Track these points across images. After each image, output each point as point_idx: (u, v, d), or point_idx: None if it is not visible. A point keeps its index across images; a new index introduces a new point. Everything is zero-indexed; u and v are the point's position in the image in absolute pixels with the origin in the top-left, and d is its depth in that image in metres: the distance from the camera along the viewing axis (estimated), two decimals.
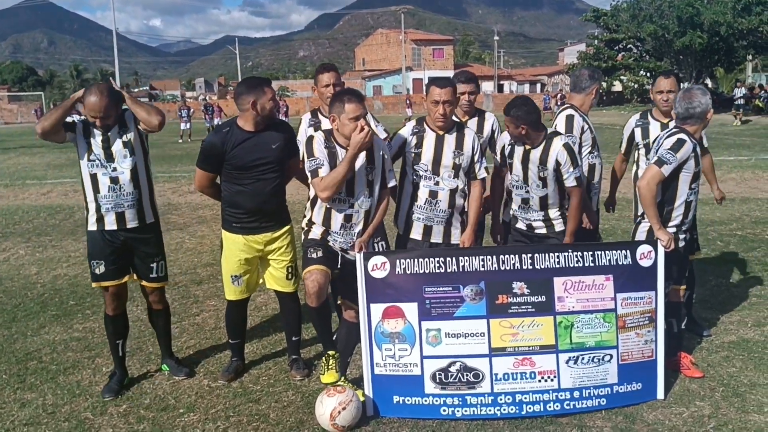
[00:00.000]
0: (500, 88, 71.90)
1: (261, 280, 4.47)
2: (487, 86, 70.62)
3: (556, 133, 4.33)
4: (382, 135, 4.51)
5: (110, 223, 4.16)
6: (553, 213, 4.38)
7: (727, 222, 8.78)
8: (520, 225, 4.47)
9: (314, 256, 3.87)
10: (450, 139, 4.14)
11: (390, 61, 77.32)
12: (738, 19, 32.01)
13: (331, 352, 3.93)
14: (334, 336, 4.20)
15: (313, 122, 4.67)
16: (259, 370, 4.58)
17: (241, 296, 4.41)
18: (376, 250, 4.27)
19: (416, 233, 4.22)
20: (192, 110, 30.56)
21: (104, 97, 4.00)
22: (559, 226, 4.38)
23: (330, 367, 3.88)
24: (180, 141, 27.80)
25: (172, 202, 11.95)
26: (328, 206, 3.83)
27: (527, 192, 4.34)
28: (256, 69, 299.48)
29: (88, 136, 4.10)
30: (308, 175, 3.84)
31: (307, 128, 4.67)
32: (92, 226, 4.19)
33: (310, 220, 3.97)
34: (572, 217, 4.31)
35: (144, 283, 4.38)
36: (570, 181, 4.22)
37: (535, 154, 4.23)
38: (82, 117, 4.17)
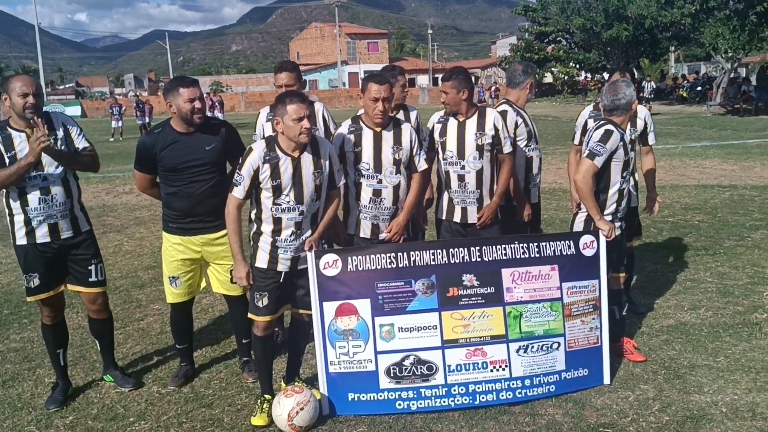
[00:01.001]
0: (435, 82, 72.54)
1: (204, 283, 4.41)
2: (423, 80, 71.17)
3: (487, 106, 4.56)
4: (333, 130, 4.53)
5: (42, 236, 3.96)
6: (486, 200, 4.50)
7: (659, 209, 9.12)
8: (456, 216, 4.56)
9: (260, 304, 3.83)
10: (388, 136, 4.16)
11: (325, 55, 76.92)
12: (661, 12, 33.17)
13: (267, 397, 3.87)
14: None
15: (272, 116, 4.59)
16: (209, 374, 4.52)
17: (182, 299, 4.32)
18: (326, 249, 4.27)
19: (365, 232, 4.23)
20: (124, 107, 29.68)
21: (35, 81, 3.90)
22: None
23: (263, 410, 3.81)
24: (111, 139, 26.99)
25: (107, 203, 11.61)
26: (276, 216, 3.76)
27: (462, 168, 4.45)
28: (188, 64, 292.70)
29: (10, 144, 3.86)
30: (231, 185, 3.77)
31: (265, 122, 4.61)
32: (21, 240, 3.96)
33: (258, 230, 3.83)
34: (502, 180, 4.51)
35: (82, 289, 4.18)
36: (507, 147, 4.45)
37: (471, 123, 4.42)
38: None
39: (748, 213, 8.67)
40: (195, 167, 4.03)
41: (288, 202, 3.74)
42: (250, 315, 3.91)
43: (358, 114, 4.29)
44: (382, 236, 4.23)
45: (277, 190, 3.70)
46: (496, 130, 4.42)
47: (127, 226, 9.59)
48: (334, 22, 71.88)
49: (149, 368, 4.65)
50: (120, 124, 27.80)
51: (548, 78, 55.54)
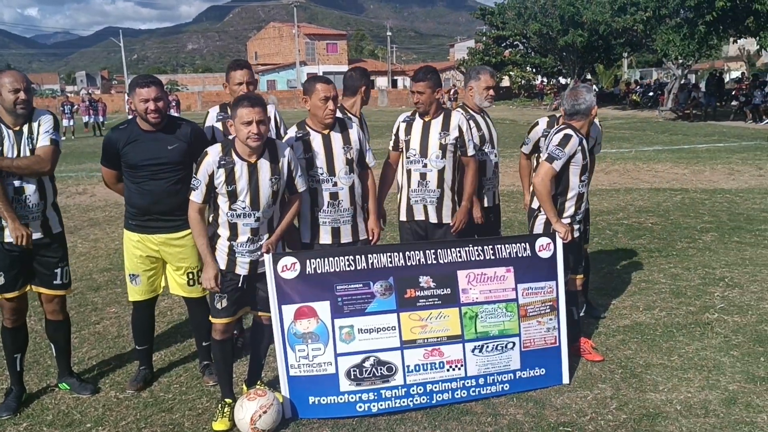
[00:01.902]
0: (394, 84, 72.77)
1: (164, 284, 4.33)
2: (381, 81, 71.30)
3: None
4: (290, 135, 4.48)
5: (10, 236, 3.84)
6: (447, 200, 4.52)
7: (614, 212, 9.34)
8: (417, 215, 4.57)
9: (219, 306, 3.79)
10: (336, 137, 4.13)
11: (283, 55, 76.44)
12: (615, 18, 33.95)
13: (227, 401, 3.82)
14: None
15: (222, 116, 4.53)
16: (169, 377, 4.43)
17: (143, 297, 4.25)
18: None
19: (325, 238, 4.19)
20: (75, 106, 28.97)
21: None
22: (447, 218, 4.56)
23: (224, 414, 3.75)
24: (63, 138, 26.31)
25: (60, 204, 11.21)
26: (232, 221, 3.70)
27: (425, 166, 4.51)
28: (142, 62, 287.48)
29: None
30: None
31: (215, 123, 4.54)
32: None
33: (216, 233, 3.78)
34: (469, 183, 4.55)
35: (44, 290, 4.07)
36: (470, 150, 4.48)
37: (437, 123, 4.48)
38: None
39: (699, 216, 8.91)
40: (155, 165, 3.98)
41: (243, 208, 3.68)
42: (211, 318, 3.86)
43: (303, 120, 4.21)
44: (344, 241, 4.20)
45: (232, 196, 3.65)
46: (460, 131, 4.46)
47: (80, 227, 9.35)
48: (293, 22, 71.39)
49: (106, 372, 4.54)
50: (71, 122, 27.14)
51: (505, 82, 56.23)
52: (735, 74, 50.20)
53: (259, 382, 4.04)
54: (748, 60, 60.45)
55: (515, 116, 33.39)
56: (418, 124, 4.54)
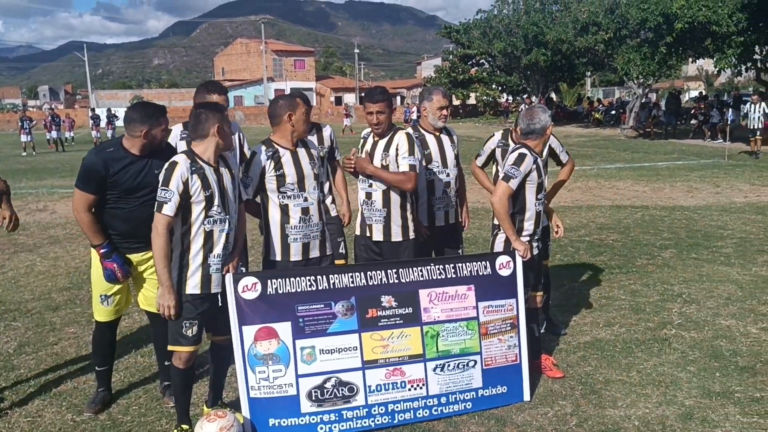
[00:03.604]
0: (362, 101, 73.04)
1: (132, 301, 4.26)
2: (349, 98, 71.53)
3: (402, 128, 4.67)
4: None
5: None
6: (395, 217, 4.55)
7: (576, 228, 9.48)
8: (367, 232, 4.62)
9: (189, 333, 3.70)
10: (302, 153, 4.19)
11: (251, 71, 76.26)
12: (577, 38, 34.71)
13: (184, 426, 3.77)
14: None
15: (186, 135, 4.50)
16: (128, 399, 4.35)
17: (112, 317, 4.18)
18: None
19: (295, 255, 4.18)
20: (34, 122, 28.42)
21: None
22: (396, 237, 4.57)
23: None
24: (24, 154, 25.82)
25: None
26: (209, 228, 3.67)
27: (370, 185, 4.55)
28: (107, 77, 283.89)
29: None
30: (156, 204, 3.61)
31: (178, 140, 4.52)
32: None
33: (185, 249, 3.67)
34: (384, 174, 4.47)
35: None
36: (403, 165, 4.43)
37: (382, 144, 4.52)
38: None
39: (659, 233, 9.09)
40: (146, 191, 3.92)
41: (219, 212, 3.68)
42: (172, 347, 3.75)
43: (267, 138, 4.22)
44: (312, 256, 4.22)
45: (209, 201, 3.64)
46: (397, 150, 4.49)
47: (40, 245, 9.16)
48: (260, 38, 71.36)
49: (63, 394, 4.43)
50: (30, 138, 26.62)
51: (472, 99, 56.88)
52: (694, 93, 51.54)
53: (220, 403, 3.99)
54: (706, 80, 62.18)
55: (481, 134, 33.70)
56: (369, 143, 4.64)
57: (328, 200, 5.13)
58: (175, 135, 4.56)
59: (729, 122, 24.36)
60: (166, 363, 4.27)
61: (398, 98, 73.89)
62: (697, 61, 38.43)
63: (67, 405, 4.28)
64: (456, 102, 53.06)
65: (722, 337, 5.19)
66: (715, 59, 24.67)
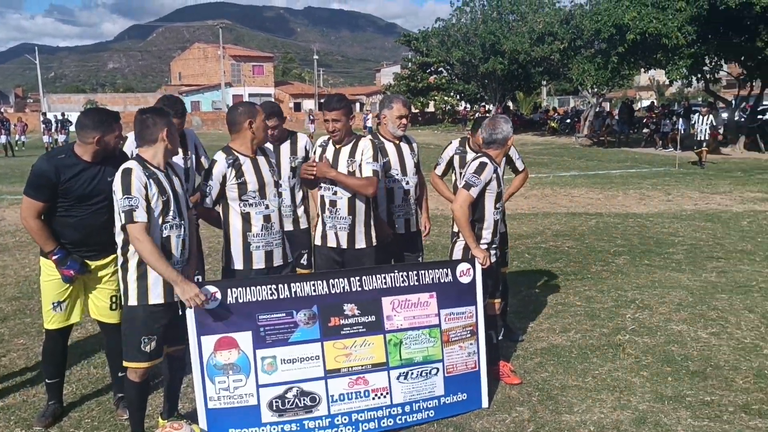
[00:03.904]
0: (319, 107, 72.91)
1: (83, 311, 4.17)
2: (308, 104, 71.32)
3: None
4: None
5: None
6: (359, 224, 4.57)
7: (532, 236, 9.63)
8: (329, 242, 4.62)
9: (147, 349, 3.62)
10: (262, 161, 4.19)
11: (208, 77, 75.44)
12: (533, 48, 35.37)
13: None
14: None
15: None
16: (80, 412, 4.25)
17: (63, 324, 4.08)
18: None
19: (258, 263, 4.16)
20: None
21: None
22: (360, 244, 4.60)
23: None
24: None
25: None
26: (165, 235, 3.61)
27: (335, 193, 4.56)
28: (60, 80, 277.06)
29: None
30: (121, 215, 3.50)
31: (134, 149, 4.44)
32: None
33: (141, 262, 3.58)
34: (345, 179, 4.51)
35: None
36: (366, 170, 4.46)
37: (346, 150, 4.52)
38: None
39: (612, 239, 9.30)
40: (99, 198, 3.85)
41: (175, 218, 3.64)
42: (128, 363, 3.67)
43: (227, 146, 4.19)
44: (276, 264, 4.22)
45: (166, 206, 3.59)
46: (362, 155, 4.52)
47: None
48: (218, 43, 70.66)
49: (12, 408, 4.30)
50: None
51: (430, 107, 57.31)
52: (646, 103, 52.89)
53: (175, 414, 3.94)
54: (657, 90, 63.86)
55: (439, 141, 33.98)
56: (330, 150, 4.61)
57: (300, 210, 5.10)
58: (131, 142, 4.49)
59: (679, 131, 25.06)
60: (120, 374, 4.18)
61: (357, 105, 74.01)
62: (649, 71, 39.49)
63: (16, 419, 4.16)
64: (414, 110, 53.38)
65: (674, 342, 5.34)
66: (666, 70, 25.38)
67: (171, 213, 3.62)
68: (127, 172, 3.51)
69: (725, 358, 4.99)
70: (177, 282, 3.52)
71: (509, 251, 5.77)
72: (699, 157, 19.54)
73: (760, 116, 28.00)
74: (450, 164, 5.45)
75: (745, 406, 4.22)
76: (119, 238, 3.60)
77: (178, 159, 4.45)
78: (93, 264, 3.99)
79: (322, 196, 4.64)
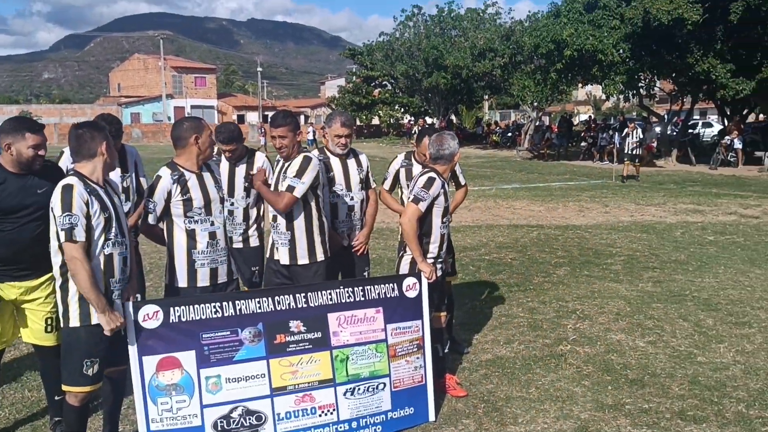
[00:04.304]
0: (265, 119, 72.37)
1: (18, 333, 4.01)
2: (252, 117, 70.72)
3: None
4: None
5: None
6: (299, 240, 4.55)
7: (476, 248, 9.76)
8: (275, 255, 4.62)
9: (90, 372, 3.50)
10: (207, 177, 4.15)
11: (149, 88, 73.94)
12: (475, 63, 36.05)
13: None
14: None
15: None
16: None
17: None
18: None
19: (203, 280, 4.11)
20: None
21: None
22: (302, 260, 4.59)
23: None
24: None
25: None
26: (108, 253, 3.52)
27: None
28: None
29: None
30: (60, 233, 3.37)
31: (69, 164, 4.32)
32: None
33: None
34: (266, 192, 4.55)
35: None
36: (282, 185, 4.46)
37: (287, 166, 4.53)
38: None
39: (553, 251, 9.51)
40: (27, 212, 3.71)
41: (116, 234, 3.55)
42: (69, 387, 3.55)
43: (171, 161, 4.14)
44: (220, 281, 4.18)
45: (108, 223, 3.50)
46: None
47: None
48: (159, 54, 69.38)
49: None
50: None
51: (375, 120, 57.64)
52: (584, 117, 54.49)
53: None
54: (594, 104, 65.87)
55: (385, 154, 34.18)
56: (279, 166, 4.64)
57: (252, 229, 5.08)
58: (67, 157, 4.38)
59: (615, 145, 25.87)
60: (57, 398, 4.05)
61: (302, 117, 73.84)
62: (586, 86, 40.71)
63: None
64: (359, 123, 53.64)
65: (613, 351, 5.49)
66: (603, 85, 26.22)
67: (113, 230, 3.53)
68: (68, 189, 3.40)
69: (662, 366, 5.16)
70: (104, 311, 3.42)
71: (455, 262, 5.84)
72: (634, 171, 20.00)
73: (690, 130, 29.23)
74: (396, 178, 5.50)
75: (681, 413, 4.37)
76: (57, 258, 3.49)
77: (114, 176, 4.35)
78: (25, 285, 3.84)
79: (270, 210, 4.65)
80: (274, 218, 4.56)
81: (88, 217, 3.42)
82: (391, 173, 5.50)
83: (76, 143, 3.56)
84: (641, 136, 20.46)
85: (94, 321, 3.49)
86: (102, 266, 3.52)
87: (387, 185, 5.55)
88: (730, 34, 22.88)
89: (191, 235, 4.07)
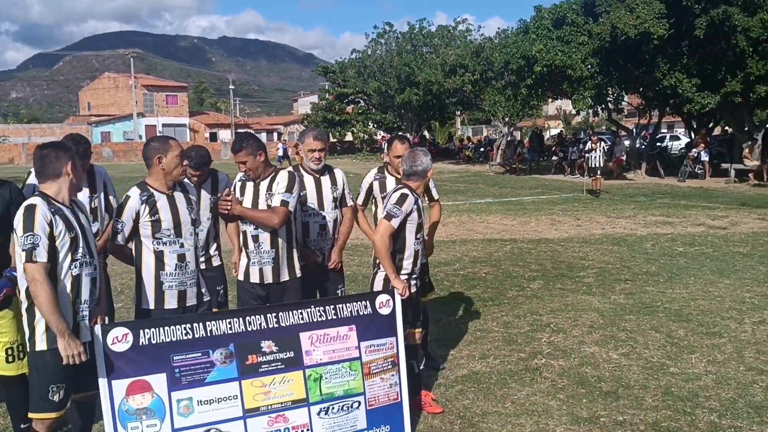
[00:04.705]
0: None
1: None
2: (225, 134, 70.39)
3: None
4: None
5: None
6: (283, 257, 4.54)
7: (451, 263, 9.78)
8: (252, 277, 4.57)
9: (56, 398, 3.42)
10: (179, 197, 4.10)
11: (119, 106, 73.21)
12: (447, 79, 36.39)
13: None
14: None
15: None
16: None
17: None
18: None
19: (171, 303, 4.05)
20: None
21: None
22: (284, 276, 4.57)
23: None
24: None
25: None
26: (75, 273, 3.45)
27: (256, 228, 4.53)
28: None
29: None
30: (21, 254, 3.30)
31: (37, 182, 4.25)
32: None
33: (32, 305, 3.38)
34: (249, 213, 4.50)
35: None
36: (275, 200, 4.44)
37: (264, 185, 4.51)
38: None
39: (527, 265, 9.57)
40: None
41: (84, 255, 3.48)
42: (35, 415, 3.45)
43: (142, 181, 4.09)
44: (189, 304, 4.12)
45: (74, 243, 3.43)
46: (276, 187, 4.50)
47: None
48: (129, 72, 68.81)
49: None
50: None
51: (349, 136, 57.75)
52: (554, 131, 55.18)
53: None
54: (565, 119, 66.76)
55: (359, 170, 34.13)
56: (249, 186, 4.59)
57: (212, 248, 5.04)
58: (33, 178, 4.29)
59: (586, 158, 26.21)
60: (23, 426, 3.95)
61: (275, 134, 73.67)
62: (556, 101, 41.29)
63: None
64: (333, 139, 53.68)
65: (587, 363, 5.52)
66: (572, 100, 26.59)
67: (80, 250, 3.47)
68: (31, 209, 3.34)
69: (635, 377, 5.20)
70: (64, 335, 3.34)
71: (429, 279, 5.83)
72: (594, 186, 19.81)
73: (659, 143, 29.72)
74: (370, 192, 5.47)
75: (655, 424, 4.39)
76: (23, 281, 3.40)
77: (83, 197, 4.28)
78: None
79: (244, 232, 4.58)
80: (255, 238, 4.51)
81: (51, 238, 3.35)
82: (364, 188, 5.50)
83: (40, 163, 3.51)
84: (605, 150, 20.52)
85: (54, 345, 3.40)
86: (69, 288, 3.45)
87: (360, 199, 5.52)
88: (696, 49, 23.42)
89: (159, 256, 4.01)
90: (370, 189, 5.47)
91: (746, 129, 24.87)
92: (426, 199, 5.56)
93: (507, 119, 34.56)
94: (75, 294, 3.47)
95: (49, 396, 3.42)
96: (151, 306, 4.03)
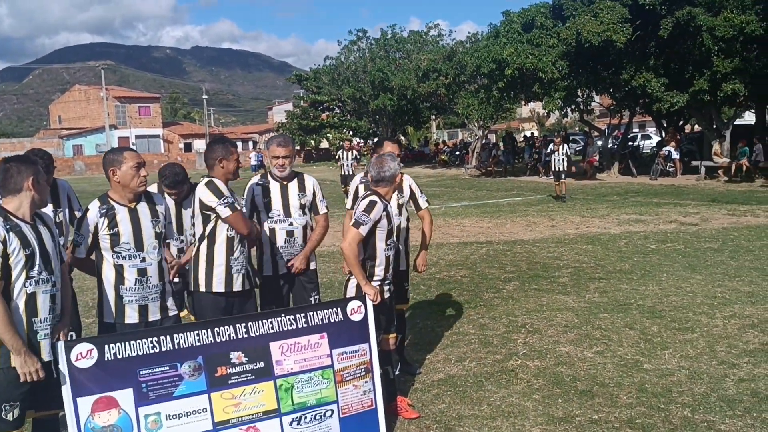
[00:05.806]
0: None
1: None
2: (199, 144, 69.88)
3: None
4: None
5: None
6: (246, 266, 4.52)
7: (427, 266, 9.73)
8: (220, 285, 4.48)
9: (9, 417, 3.32)
10: (143, 209, 4.01)
11: (91, 119, 72.37)
12: (420, 84, 36.51)
13: None
14: None
15: None
16: None
17: None
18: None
19: (131, 318, 3.97)
20: None
21: None
22: (246, 285, 4.53)
23: None
24: None
25: None
26: (31, 290, 3.35)
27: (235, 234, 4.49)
28: None
29: None
30: None
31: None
32: None
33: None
34: (238, 222, 4.44)
35: None
36: (222, 212, 4.36)
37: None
38: None
39: (502, 266, 9.59)
40: None
41: (41, 272, 3.38)
42: None
43: (104, 194, 4.03)
44: (152, 319, 4.04)
45: (30, 259, 3.33)
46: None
47: None
48: (101, 84, 68.09)
49: None
50: None
51: (325, 143, 57.69)
52: (528, 134, 55.58)
53: None
54: (538, 121, 67.32)
55: (335, 177, 34.16)
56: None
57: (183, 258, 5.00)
58: None
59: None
60: None
61: (251, 143, 73.34)
62: (529, 103, 41.61)
63: None
64: (308, 147, 53.62)
65: (563, 363, 5.52)
66: (543, 102, 26.81)
67: (36, 267, 3.37)
68: None
69: (610, 375, 5.21)
70: (20, 352, 3.26)
71: (408, 287, 5.80)
72: (557, 191, 18.75)
73: (630, 143, 30.05)
74: (356, 194, 5.44)
75: (630, 421, 4.40)
76: None
77: (47, 212, 4.19)
78: None
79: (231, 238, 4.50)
80: (231, 251, 4.44)
81: (5, 256, 3.26)
82: (351, 191, 5.51)
83: (2, 177, 3.43)
84: (569, 153, 19.34)
85: (13, 363, 3.31)
86: (23, 306, 3.35)
87: (348, 204, 5.48)
88: (662, 49, 23.73)
89: (119, 270, 3.93)
90: (357, 192, 5.45)
91: (715, 126, 25.26)
92: (414, 207, 5.56)
93: (481, 122, 34.75)
94: (31, 312, 3.37)
95: (2, 415, 3.33)
96: (111, 320, 3.96)
